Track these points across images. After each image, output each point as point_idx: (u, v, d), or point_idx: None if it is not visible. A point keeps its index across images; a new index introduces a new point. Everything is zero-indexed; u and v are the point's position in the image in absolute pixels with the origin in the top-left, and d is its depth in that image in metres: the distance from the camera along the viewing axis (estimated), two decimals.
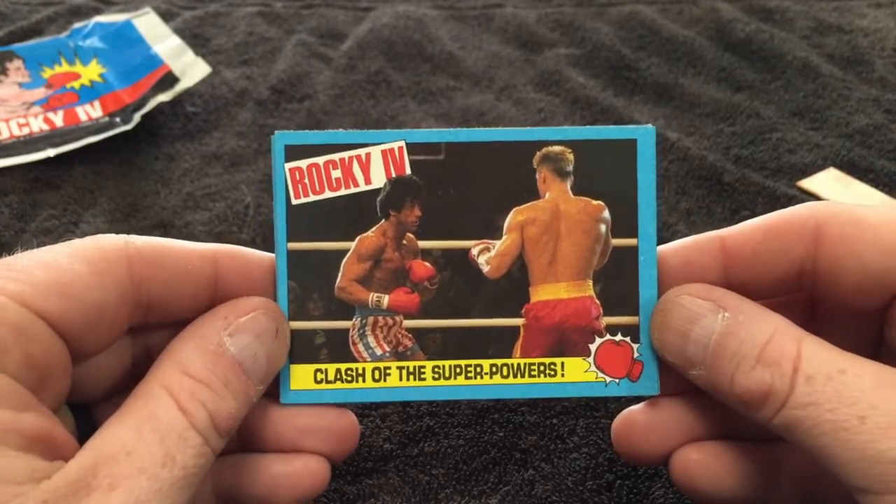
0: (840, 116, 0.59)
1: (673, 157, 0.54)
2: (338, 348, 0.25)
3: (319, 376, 0.25)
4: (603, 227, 0.25)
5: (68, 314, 0.21)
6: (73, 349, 0.21)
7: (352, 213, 0.25)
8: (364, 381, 0.25)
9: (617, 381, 0.25)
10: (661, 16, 0.72)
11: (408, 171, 0.25)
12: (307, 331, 0.25)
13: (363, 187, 0.25)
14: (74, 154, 0.54)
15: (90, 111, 0.57)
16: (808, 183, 0.52)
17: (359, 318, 0.25)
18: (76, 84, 0.60)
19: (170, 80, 0.59)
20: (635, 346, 0.25)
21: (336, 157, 0.25)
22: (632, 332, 0.25)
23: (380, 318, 0.25)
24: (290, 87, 0.62)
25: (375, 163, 0.25)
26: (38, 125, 0.57)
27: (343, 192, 0.25)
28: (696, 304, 0.23)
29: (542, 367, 0.25)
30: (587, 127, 0.25)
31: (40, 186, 0.52)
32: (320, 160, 0.25)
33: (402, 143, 0.25)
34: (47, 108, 0.58)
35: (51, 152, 0.54)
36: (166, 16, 0.71)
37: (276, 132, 0.25)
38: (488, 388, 0.25)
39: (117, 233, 0.24)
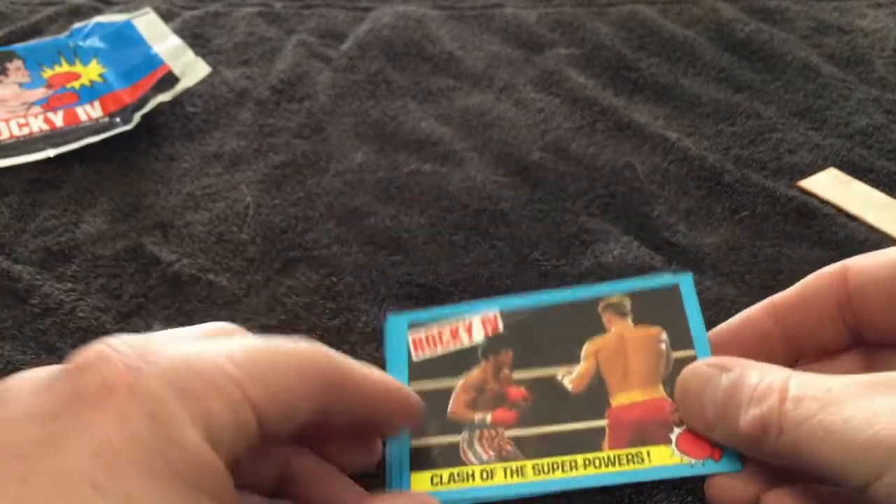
0: (840, 116, 0.59)
1: (673, 158, 0.54)
2: (450, 456, 0.29)
3: (435, 480, 0.29)
4: (663, 345, 0.30)
5: (274, 422, 0.22)
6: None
7: (459, 361, 0.32)
8: (473, 480, 0.29)
9: (702, 461, 0.27)
10: (661, 16, 0.72)
11: (501, 329, 0.32)
12: (426, 446, 0.30)
13: (466, 344, 0.32)
14: (74, 154, 0.54)
15: (90, 111, 0.57)
16: (808, 183, 0.52)
17: (467, 432, 0.30)
18: (76, 84, 0.60)
19: (170, 80, 0.59)
20: None
21: (447, 326, 0.33)
22: None
23: (485, 431, 0.30)
24: (290, 87, 0.62)
25: (476, 326, 0.32)
26: (37, 125, 0.57)
27: (451, 348, 0.32)
28: (704, 371, 0.26)
29: (630, 457, 0.28)
30: (638, 278, 0.31)
31: (40, 186, 0.52)
32: (434, 329, 0.33)
33: (497, 312, 0.32)
34: (47, 108, 0.58)
35: (51, 152, 0.54)
36: (166, 16, 0.71)
37: (392, 315, 0.34)
38: (583, 478, 0.28)
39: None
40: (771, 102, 0.61)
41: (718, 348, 0.29)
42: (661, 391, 0.29)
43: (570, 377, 0.30)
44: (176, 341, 0.22)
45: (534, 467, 0.28)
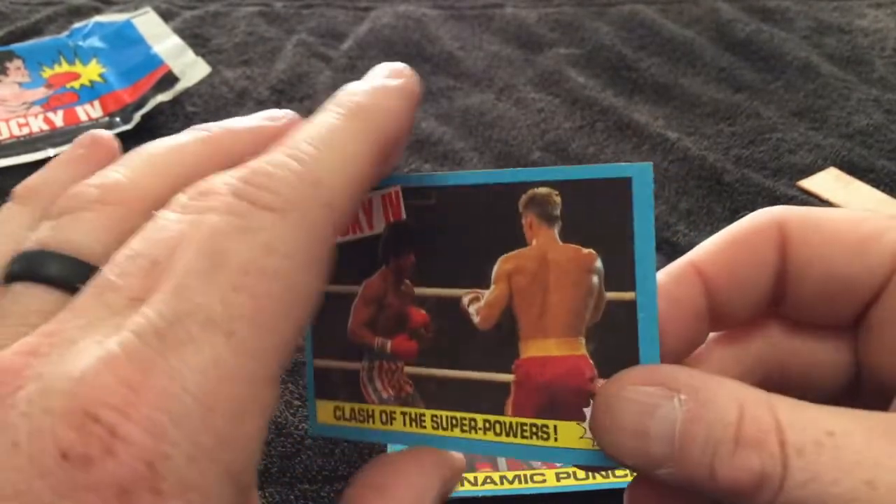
0: (840, 116, 0.59)
1: (673, 158, 0.54)
2: (351, 388, 0.26)
3: (338, 413, 0.26)
4: (595, 279, 0.22)
5: None
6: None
7: (361, 259, 0.25)
8: (373, 422, 0.26)
9: None
10: (661, 16, 0.72)
11: (403, 216, 0.25)
12: (327, 369, 0.26)
13: (367, 233, 0.26)
14: None
15: (90, 111, 0.57)
16: (808, 183, 0.52)
17: (367, 362, 0.26)
18: (76, 84, 0.60)
19: (170, 79, 0.59)
20: None
21: None
22: None
23: (384, 363, 0.26)
24: (291, 87, 0.62)
25: (376, 208, 0.25)
26: (37, 125, 0.57)
27: (351, 237, 0.26)
28: (644, 394, 0.20)
29: (534, 429, 0.23)
30: (577, 166, 0.23)
31: None
32: None
33: (398, 189, 0.25)
34: (47, 108, 0.58)
35: (51, 152, 0.54)
36: (166, 15, 0.70)
37: None
38: (483, 443, 0.24)
39: None
40: (771, 102, 0.61)
41: None
42: (581, 347, 0.22)
43: (476, 305, 0.24)
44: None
45: (433, 419, 0.25)
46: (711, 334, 0.24)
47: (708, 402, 0.19)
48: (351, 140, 0.19)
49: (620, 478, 0.33)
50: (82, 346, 0.15)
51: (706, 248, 0.22)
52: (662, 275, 0.23)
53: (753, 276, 0.22)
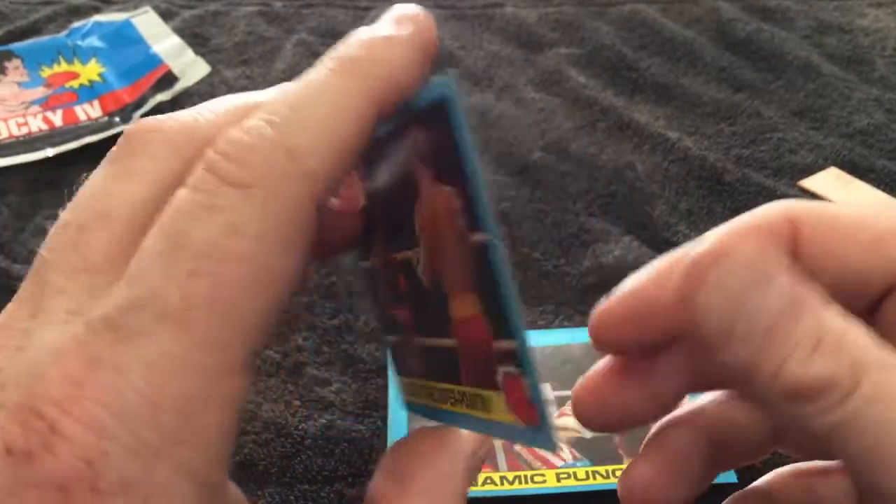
0: (841, 116, 0.58)
1: (673, 158, 0.54)
2: (390, 360, 0.25)
3: (408, 389, 0.24)
4: (462, 221, 0.18)
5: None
6: None
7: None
8: (422, 398, 0.24)
9: (525, 426, 0.19)
10: (661, 15, 0.72)
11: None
12: (394, 345, 0.25)
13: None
14: (73, 154, 0.54)
15: (89, 111, 0.57)
16: (809, 183, 0.52)
17: (397, 335, 0.24)
18: (75, 83, 0.60)
19: (169, 79, 0.59)
20: (525, 382, 0.18)
21: None
22: (515, 360, 0.19)
23: (405, 336, 0.24)
24: None
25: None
26: (36, 125, 0.56)
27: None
28: (754, 269, 0.19)
29: (474, 399, 0.21)
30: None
31: (39, 186, 0.52)
32: None
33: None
34: (46, 108, 0.58)
35: (50, 152, 0.54)
36: (166, 15, 0.70)
37: None
38: (444, 414, 0.22)
39: None
40: (772, 102, 0.61)
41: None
42: (474, 304, 0.19)
43: (420, 266, 0.21)
44: None
45: (408, 388, 0.24)
46: None
47: (801, 303, 0.18)
48: (339, 98, 0.17)
49: None
50: (38, 337, 0.14)
51: (711, 237, 0.21)
52: (665, 262, 0.22)
53: None
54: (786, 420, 0.19)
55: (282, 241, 0.15)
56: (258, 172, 0.15)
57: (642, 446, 0.23)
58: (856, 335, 0.19)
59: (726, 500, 0.24)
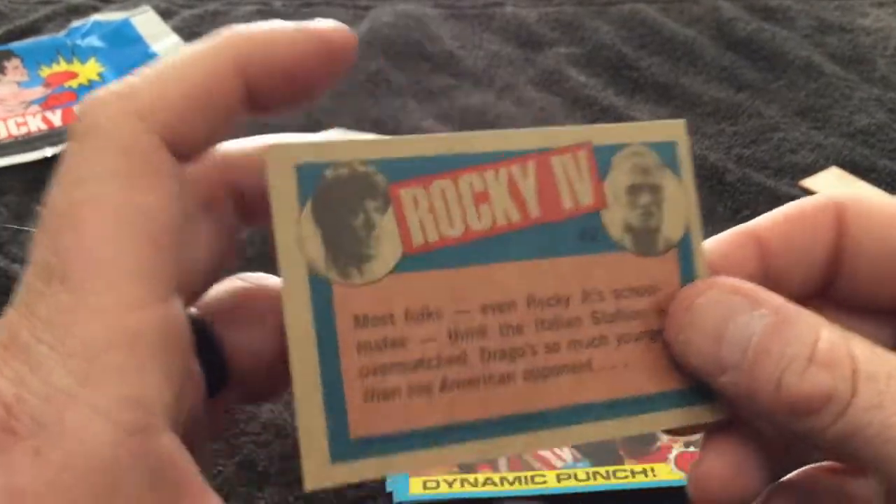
0: (842, 116, 0.58)
1: None
2: None
3: None
4: None
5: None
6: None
7: None
8: None
9: None
10: (661, 14, 0.72)
11: None
12: None
13: None
14: None
15: None
16: (810, 182, 0.51)
17: None
18: (74, 83, 0.60)
19: None
20: None
21: None
22: None
23: None
24: None
25: None
26: (36, 124, 0.56)
27: None
28: (729, 301, 0.20)
29: None
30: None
31: (38, 186, 0.52)
32: None
33: None
34: (45, 108, 0.58)
35: (49, 152, 0.54)
36: (165, 14, 0.70)
37: None
38: None
39: None
40: (773, 102, 0.60)
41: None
42: None
43: None
44: None
45: None
46: None
47: (788, 321, 0.19)
48: (195, 55, 0.18)
49: (621, 479, 0.33)
50: None
51: (765, 218, 0.22)
52: (722, 236, 0.23)
53: (810, 251, 0.22)
54: (797, 435, 0.19)
55: (135, 179, 0.16)
56: (92, 120, 0.16)
57: (703, 439, 0.22)
58: (852, 345, 0.19)
59: (759, 496, 0.23)
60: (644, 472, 0.33)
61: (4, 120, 0.56)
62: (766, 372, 0.19)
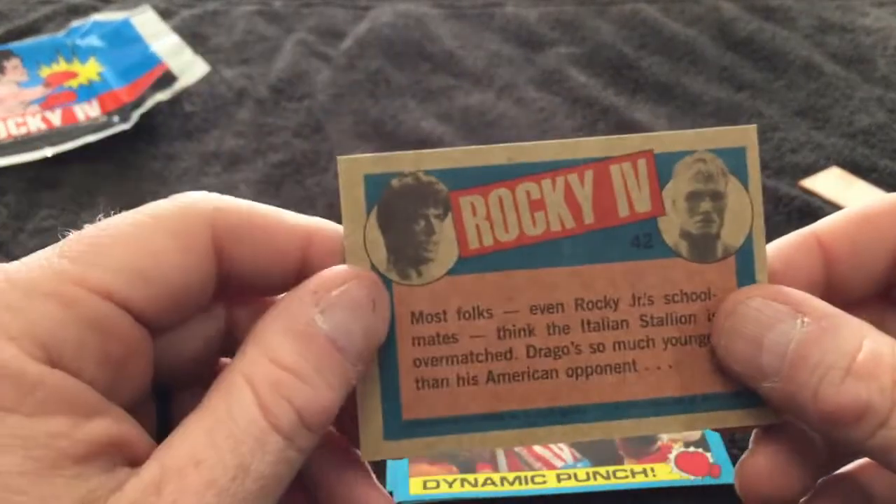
0: (843, 116, 0.58)
1: None
2: None
3: None
4: None
5: (152, 300, 0.19)
6: (153, 332, 0.20)
7: None
8: None
9: None
10: (662, 14, 0.72)
11: None
12: None
13: None
14: (72, 153, 0.54)
15: (88, 110, 0.57)
16: (810, 182, 0.51)
17: None
18: (74, 83, 0.60)
19: (168, 78, 0.59)
20: None
21: None
22: None
23: None
24: (290, 87, 0.62)
25: None
26: (35, 124, 0.56)
27: None
28: (770, 308, 0.20)
29: None
30: None
31: (38, 186, 0.52)
32: None
33: None
34: (45, 108, 0.58)
35: (48, 152, 0.54)
36: (165, 14, 0.70)
37: None
38: None
39: None
40: (773, 101, 0.60)
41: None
42: None
43: None
44: None
45: None
46: None
47: (830, 329, 0.19)
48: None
49: (621, 479, 0.33)
50: None
51: (831, 220, 0.23)
52: (783, 240, 0.23)
53: (875, 254, 0.22)
54: (840, 443, 0.20)
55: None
56: None
57: (753, 439, 0.23)
58: (894, 353, 0.19)
59: (818, 483, 0.24)
60: (644, 472, 0.33)
61: (4, 120, 0.56)
62: (803, 380, 0.19)
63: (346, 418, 0.22)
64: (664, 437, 0.34)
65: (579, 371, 0.21)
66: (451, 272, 0.21)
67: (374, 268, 0.21)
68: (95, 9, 0.74)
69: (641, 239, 0.21)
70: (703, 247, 0.21)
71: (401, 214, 0.21)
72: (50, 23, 0.71)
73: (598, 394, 0.21)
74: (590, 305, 0.21)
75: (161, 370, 0.20)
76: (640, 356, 0.21)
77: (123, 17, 0.65)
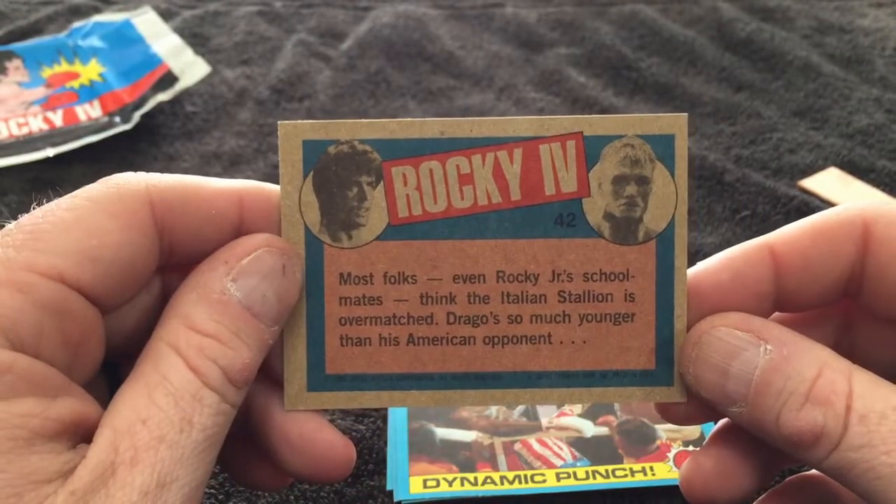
0: (841, 116, 0.58)
1: None
2: None
3: None
4: None
5: (101, 279, 0.20)
6: (103, 311, 0.20)
7: None
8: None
9: None
10: (661, 15, 0.72)
11: None
12: None
13: None
14: (74, 154, 0.54)
15: (89, 111, 0.57)
16: (809, 182, 0.52)
17: None
18: (75, 83, 0.60)
19: (169, 79, 0.59)
20: None
21: None
22: None
23: None
24: (290, 87, 0.62)
25: None
26: (37, 125, 0.56)
27: None
28: (734, 337, 0.21)
29: None
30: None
31: (39, 186, 0.52)
32: None
33: None
34: (46, 108, 0.58)
35: (50, 152, 0.54)
36: (166, 15, 0.70)
37: None
38: None
39: None
40: (772, 102, 0.61)
41: (697, 299, 0.23)
42: None
43: None
44: None
45: None
46: (776, 314, 0.24)
47: (791, 357, 0.20)
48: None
49: (620, 478, 0.33)
50: None
51: (785, 232, 0.23)
52: (735, 250, 0.23)
53: (827, 267, 0.22)
54: (802, 462, 0.21)
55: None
56: None
57: (706, 442, 0.23)
58: (853, 380, 0.20)
59: (780, 484, 0.24)
60: (643, 470, 0.33)
61: (6, 120, 0.57)
62: (766, 405, 0.20)
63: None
64: (663, 436, 0.35)
65: (496, 340, 0.22)
66: (379, 238, 0.22)
67: (307, 229, 0.22)
68: (97, 10, 0.74)
69: (565, 218, 0.22)
70: (625, 229, 0.22)
71: (335, 180, 0.22)
72: (51, 23, 0.72)
73: (512, 362, 0.22)
74: (510, 278, 0.22)
75: (109, 346, 0.21)
76: (556, 330, 0.22)
77: (125, 17, 0.65)
